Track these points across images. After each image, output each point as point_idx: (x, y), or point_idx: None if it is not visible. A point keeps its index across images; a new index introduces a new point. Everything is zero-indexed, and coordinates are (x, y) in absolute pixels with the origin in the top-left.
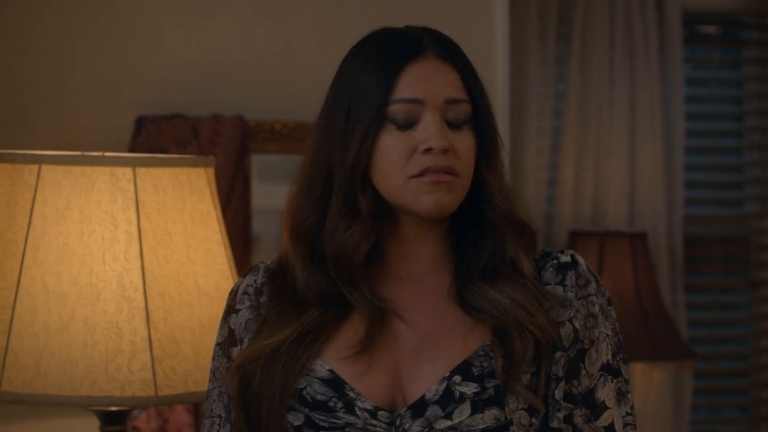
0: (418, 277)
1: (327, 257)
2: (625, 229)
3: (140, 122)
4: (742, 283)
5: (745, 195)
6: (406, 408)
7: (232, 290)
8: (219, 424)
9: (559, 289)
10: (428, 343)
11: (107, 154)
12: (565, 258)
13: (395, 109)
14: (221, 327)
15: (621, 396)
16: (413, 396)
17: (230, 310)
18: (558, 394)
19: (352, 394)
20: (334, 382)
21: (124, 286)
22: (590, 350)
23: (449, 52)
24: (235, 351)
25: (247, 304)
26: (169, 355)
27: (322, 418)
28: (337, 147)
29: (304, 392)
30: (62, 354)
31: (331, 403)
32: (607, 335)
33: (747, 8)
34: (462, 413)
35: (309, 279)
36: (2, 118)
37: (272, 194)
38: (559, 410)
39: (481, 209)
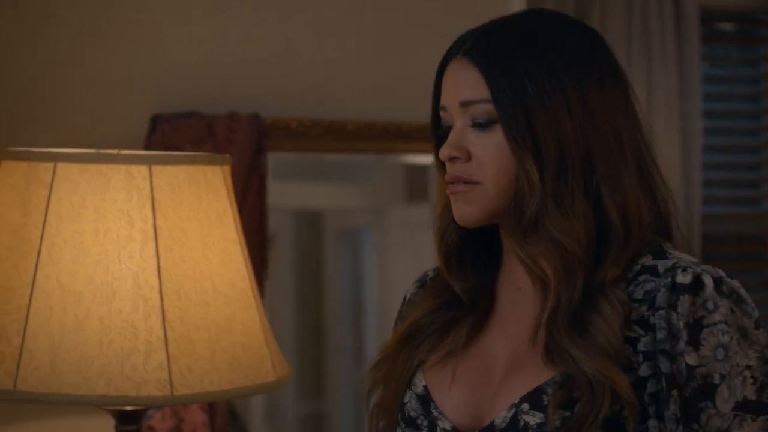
0: (528, 290)
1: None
2: None
3: (155, 120)
4: (757, 281)
5: (762, 193)
6: (478, 431)
7: (403, 297)
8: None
9: (672, 316)
10: (516, 363)
11: (123, 152)
12: (683, 279)
13: (443, 118)
14: (394, 334)
15: None
16: (486, 420)
17: (399, 316)
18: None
19: (435, 413)
20: (425, 400)
21: (139, 284)
22: (721, 386)
23: (477, 49)
24: None
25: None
26: (185, 355)
27: None
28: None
29: (406, 407)
30: (77, 353)
31: (419, 421)
32: (748, 366)
33: (765, 5)
34: None
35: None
36: (17, 116)
37: (288, 193)
38: None
39: None
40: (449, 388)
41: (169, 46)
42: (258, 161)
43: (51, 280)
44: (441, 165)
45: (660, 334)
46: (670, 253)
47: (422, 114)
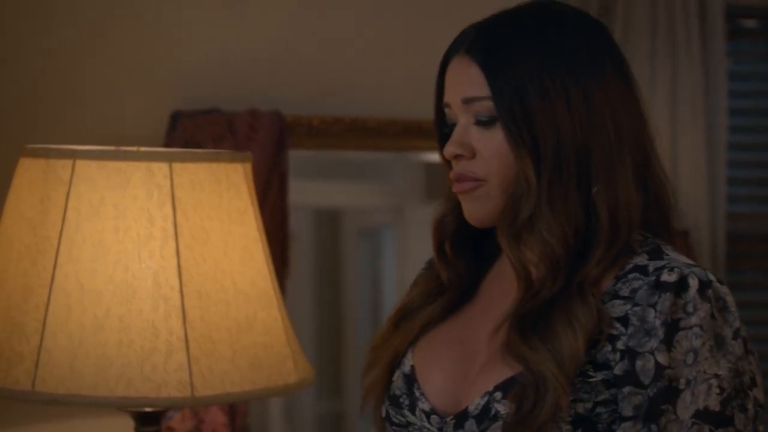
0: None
1: None
2: None
3: (175, 117)
4: None
5: None
6: (452, 417)
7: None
8: None
9: (650, 313)
10: (495, 352)
11: (142, 149)
12: (668, 278)
13: (447, 114)
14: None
15: None
16: (464, 405)
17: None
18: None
19: (417, 393)
20: (410, 380)
21: (160, 284)
22: (684, 392)
23: (477, 46)
24: None
25: None
26: (206, 355)
27: (394, 413)
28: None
29: (393, 385)
30: (97, 353)
31: (401, 399)
32: (716, 375)
33: None
34: None
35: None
36: (36, 114)
37: (308, 191)
38: None
39: None
40: (433, 371)
41: (188, 42)
42: (279, 158)
43: (70, 278)
44: (447, 162)
45: (630, 329)
46: (667, 254)
47: None
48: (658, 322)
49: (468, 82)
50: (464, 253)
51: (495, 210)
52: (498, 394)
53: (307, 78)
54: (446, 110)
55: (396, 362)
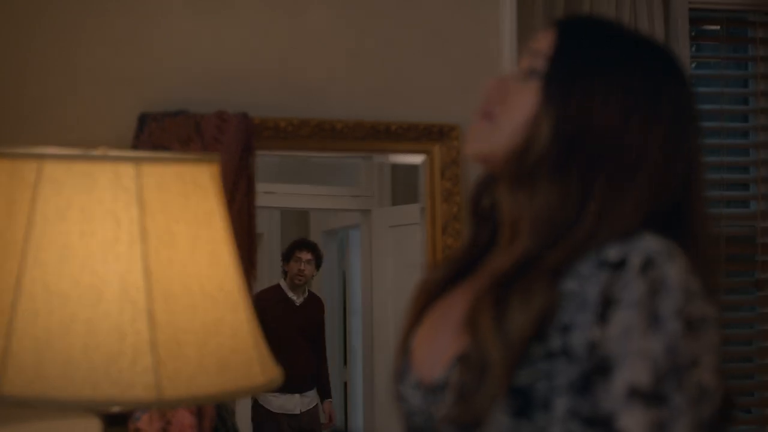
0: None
1: None
2: None
3: (143, 119)
4: (747, 282)
5: (752, 194)
6: (424, 387)
7: None
8: None
9: (588, 289)
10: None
11: (109, 151)
12: (612, 256)
13: None
14: None
15: (661, 430)
16: (434, 374)
17: None
18: (559, 408)
19: (406, 366)
20: (407, 354)
21: (126, 287)
22: (616, 367)
23: (567, 21)
24: None
25: None
26: (173, 358)
27: (394, 385)
28: None
29: (403, 360)
30: (63, 356)
31: (399, 373)
32: (649, 351)
33: (753, 5)
34: (447, 403)
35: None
36: (2, 115)
37: (276, 193)
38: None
39: None
40: (421, 343)
41: (156, 44)
42: (246, 160)
43: (36, 282)
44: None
45: (569, 305)
46: (641, 236)
47: (411, 113)
48: (592, 298)
49: (541, 39)
50: (489, 223)
51: (489, 149)
52: (456, 366)
53: (275, 80)
54: None
55: (405, 339)
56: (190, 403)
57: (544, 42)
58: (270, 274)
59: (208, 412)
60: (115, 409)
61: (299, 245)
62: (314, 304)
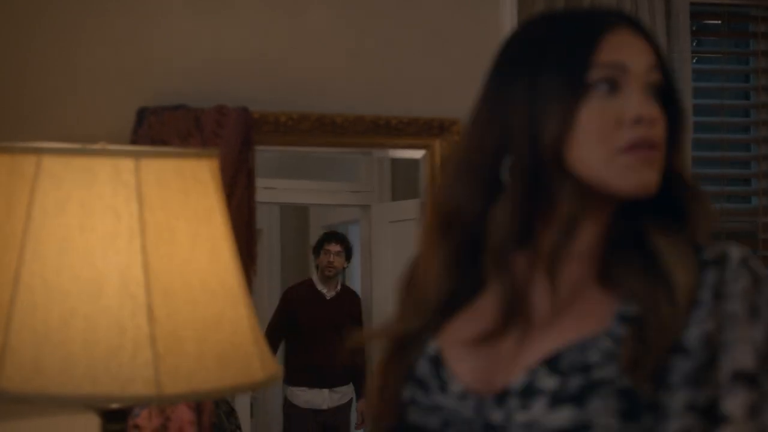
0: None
1: (486, 245)
2: None
3: (142, 113)
4: None
5: (753, 189)
6: (492, 395)
7: None
8: None
9: (700, 291)
10: (537, 330)
11: (109, 146)
12: (709, 255)
13: (600, 74)
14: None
15: (755, 412)
16: (502, 384)
17: None
18: (675, 404)
19: (447, 375)
20: (436, 361)
21: (126, 282)
22: (725, 355)
23: (640, 25)
24: None
25: None
26: (173, 353)
27: (422, 397)
28: (518, 123)
29: (416, 368)
30: (62, 351)
31: (429, 382)
32: (752, 337)
33: (754, 0)
34: (538, 408)
35: (440, 277)
36: (1, 111)
37: (276, 188)
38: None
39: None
40: (460, 351)
41: (155, 38)
42: (246, 155)
43: (35, 276)
44: (614, 123)
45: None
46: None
47: (411, 108)
48: (706, 296)
49: (649, 52)
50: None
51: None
52: (544, 370)
53: (275, 75)
54: (607, 70)
55: (406, 345)
56: (190, 398)
57: (653, 56)
58: (269, 270)
59: (208, 408)
60: (115, 405)
61: (328, 238)
62: (348, 298)
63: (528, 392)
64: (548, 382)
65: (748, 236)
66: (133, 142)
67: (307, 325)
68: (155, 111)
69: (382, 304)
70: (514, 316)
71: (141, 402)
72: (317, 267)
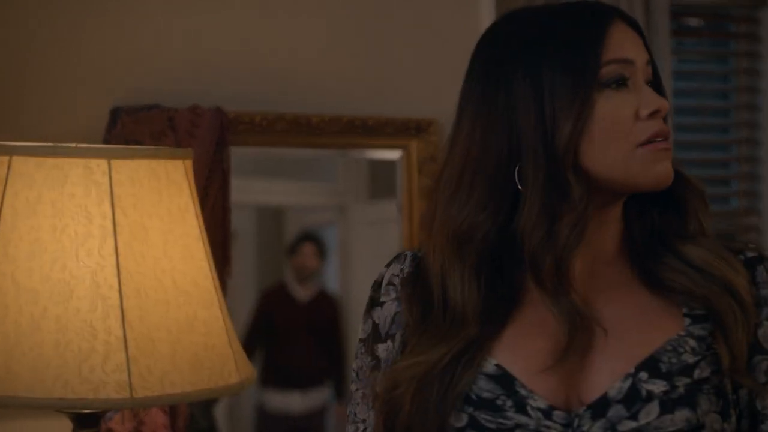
0: (595, 269)
1: (526, 260)
2: None
3: (115, 113)
4: None
5: (732, 191)
6: (585, 407)
7: (375, 281)
8: (364, 430)
9: (752, 288)
10: (607, 337)
11: (81, 145)
12: (752, 253)
13: (611, 72)
14: (364, 322)
15: None
16: (592, 395)
17: (374, 303)
18: (760, 403)
19: (523, 392)
20: (503, 379)
21: (98, 283)
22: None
23: (632, 19)
24: (381, 348)
25: (393, 296)
26: (145, 355)
27: (489, 418)
28: (527, 124)
29: (473, 389)
30: (33, 354)
31: (498, 402)
32: None
33: (735, 1)
34: (650, 414)
35: (468, 294)
36: None
37: (250, 189)
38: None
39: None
40: (531, 365)
41: (129, 37)
42: (220, 155)
43: (6, 277)
44: (632, 118)
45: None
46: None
47: (388, 109)
48: (765, 293)
49: (642, 46)
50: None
51: None
52: (644, 374)
53: (249, 75)
54: (617, 66)
55: (445, 366)
56: (164, 402)
57: (645, 51)
58: (245, 272)
59: (182, 411)
60: (87, 410)
61: (303, 238)
62: (324, 301)
63: (632, 398)
64: (655, 386)
65: (728, 238)
66: (107, 141)
67: (282, 327)
68: (129, 111)
69: (360, 306)
70: (584, 330)
71: (114, 406)
72: (292, 268)
